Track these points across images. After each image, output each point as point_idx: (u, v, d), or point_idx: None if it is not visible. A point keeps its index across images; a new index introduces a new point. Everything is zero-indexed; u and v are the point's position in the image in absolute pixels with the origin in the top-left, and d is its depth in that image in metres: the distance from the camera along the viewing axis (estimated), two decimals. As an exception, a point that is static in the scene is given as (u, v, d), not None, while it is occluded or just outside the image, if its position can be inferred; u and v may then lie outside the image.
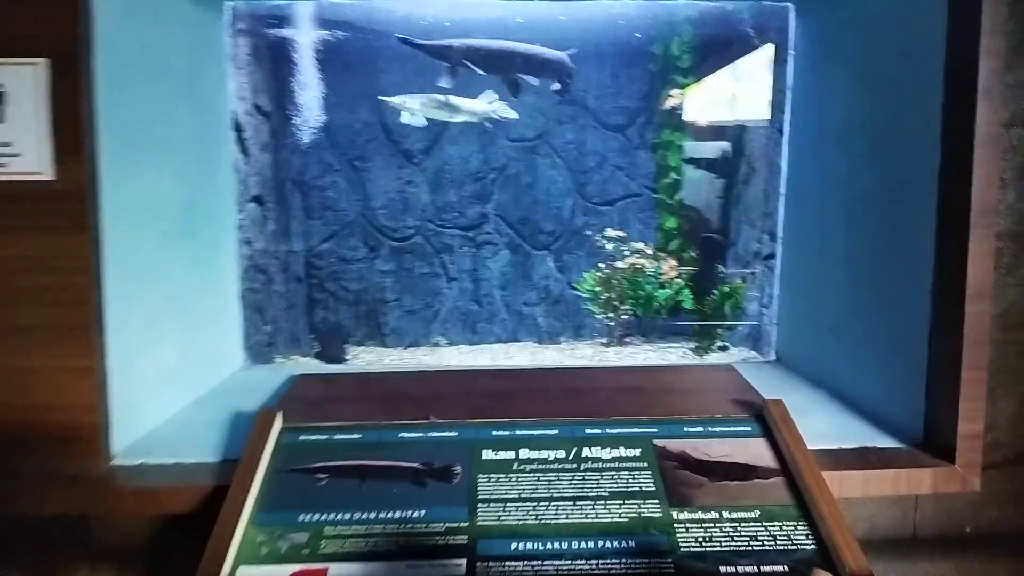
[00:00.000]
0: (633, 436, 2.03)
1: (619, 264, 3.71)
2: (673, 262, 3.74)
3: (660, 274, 3.70)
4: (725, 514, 1.79)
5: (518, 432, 2.06)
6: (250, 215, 3.21)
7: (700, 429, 2.06)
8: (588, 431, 2.05)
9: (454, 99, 3.63)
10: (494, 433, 2.06)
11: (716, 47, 3.77)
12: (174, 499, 1.95)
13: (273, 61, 3.55)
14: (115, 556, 2.07)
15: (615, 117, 4.08)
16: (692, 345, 3.61)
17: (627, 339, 3.76)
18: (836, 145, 2.54)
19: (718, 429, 2.06)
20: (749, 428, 2.07)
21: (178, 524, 1.98)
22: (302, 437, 2.05)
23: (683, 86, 3.92)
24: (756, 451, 1.99)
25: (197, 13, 2.61)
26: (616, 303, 3.69)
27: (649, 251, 3.74)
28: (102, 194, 2.02)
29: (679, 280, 3.72)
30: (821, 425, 2.28)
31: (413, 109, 3.58)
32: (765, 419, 2.08)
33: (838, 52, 2.56)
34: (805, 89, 2.79)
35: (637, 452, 1.98)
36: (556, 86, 3.65)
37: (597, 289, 3.74)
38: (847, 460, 2.07)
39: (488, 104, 3.71)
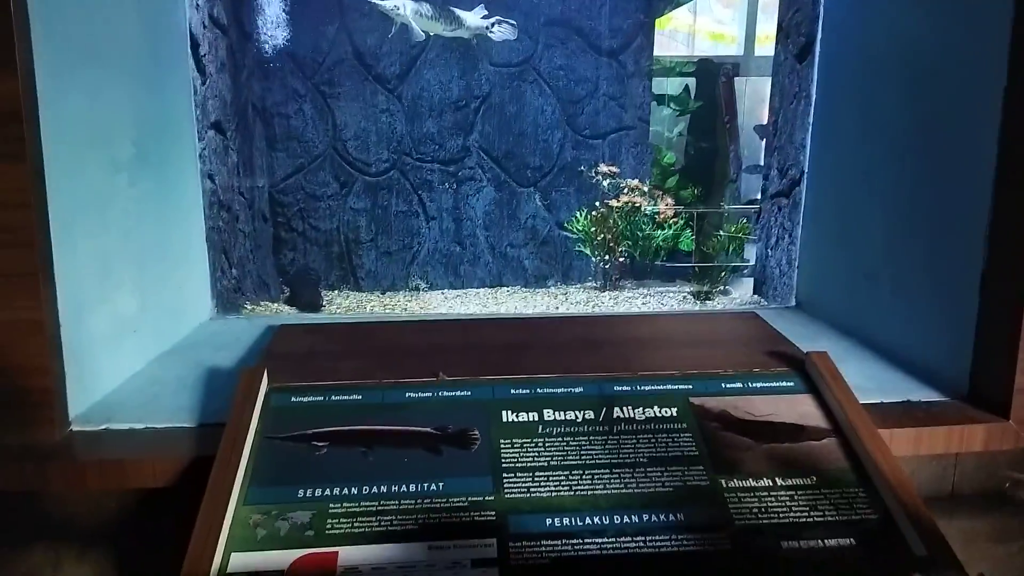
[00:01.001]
0: (667, 393, 1.83)
1: (613, 202, 3.47)
2: (670, 200, 3.52)
3: (657, 213, 3.48)
4: (779, 481, 1.61)
5: (539, 390, 1.84)
6: (210, 144, 2.85)
7: (739, 385, 1.87)
8: (617, 388, 1.84)
9: (444, 9, 3.26)
10: (512, 392, 1.83)
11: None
12: (145, 471, 1.69)
13: (230, -34, 3.13)
14: (76, 535, 1.80)
15: (608, 40, 3.77)
16: (691, 289, 3.43)
17: (621, 282, 3.56)
18: (878, 71, 2.31)
19: (759, 384, 1.87)
20: (792, 383, 1.89)
21: (150, 500, 1.72)
22: (294, 399, 1.79)
23: (684, 10, 3.63)
24: (803, 409, 1.81)
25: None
26: (611, 244, 3.47)
27: (645, 188, 3.51)
28: (41, 115, 1.67)
29: (678, 220, 3.51)
30: (855, 376, 2.10)
31: (406, 17, 3.17)
32: (808, 373, 1.90)
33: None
34: (840, 7, 2.54)
35: (673, 411, 1.78)
36: None
37: (591, 230, 3.50)
38: (894, 416, 1.92)
39: (481, 19, 3.36)
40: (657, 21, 3.91)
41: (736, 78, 4.61)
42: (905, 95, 2.20)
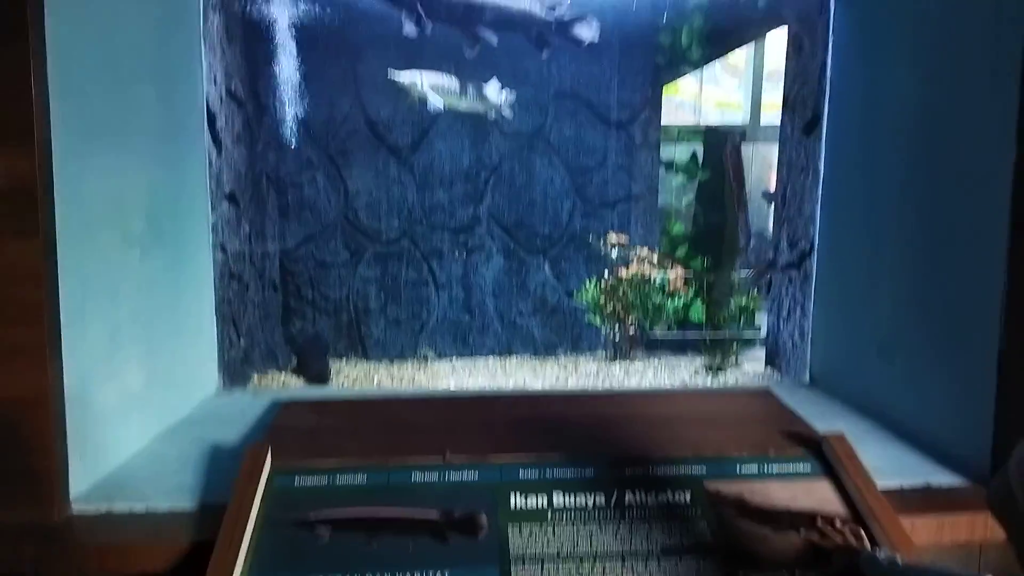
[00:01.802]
0: (681, 477, 1.78)
1: (623, 272, 3.46)
2: (680, 270, 3.51)
3: (667, 283, 3.47)
4: (797, 574, 1.55)
5: (549, 472, 1.79)
6: (223, 216, 2.88)
7: (755, 468, 1.82)
8: (629, 471, 1.79)
9: (461, 83, 3.33)
10: (521, 473, 1.79)
11: (728, 37, 3.55)
12: (145, 557, 1.65)
13: (247, 42, 3.22)
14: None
15: (617, 112, 3.83)
16: (703, 361, 3.38)
17: (631, 353, 3.52)
18: (886, 144, 2.33)
19: (775, 468, 1.82)
20: (809, 467, 1.83)
21: (149, 586, 1.67)
22: (298, 480, 1.75)
23: (690, 79, 3.69)
24: (821, 494, 1.75)
25: (167, -19, 2.28)
26: (621, 315, 3.45)
27: (654, 258, 3.50)
28: (56, 191, 1.69)
29: (688, 290, 3.49)
30: (873, 458, 2.04)
31: (424, 91, 3.24)
32: (825, 455, 1.85)
33: (886, 40, 2.35)
34: (846, 83, 2.57)
35: (687, 497, 1.73)
36: (540, 49, 3.31)
37: (601, 299, 3.49)
38: (914, 502, 1.86)
39: (496, 93, 3.42)
40: (665, 89, 3.98)
41: (743, 143, 4.68)
42: (913, 169, 2.20)
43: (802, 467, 1.83)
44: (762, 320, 3.36)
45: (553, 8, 3.21)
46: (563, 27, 3.26)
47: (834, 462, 1.82)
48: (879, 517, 1.64)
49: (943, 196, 2.08)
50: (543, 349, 3.80)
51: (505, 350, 3.78)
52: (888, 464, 2.03)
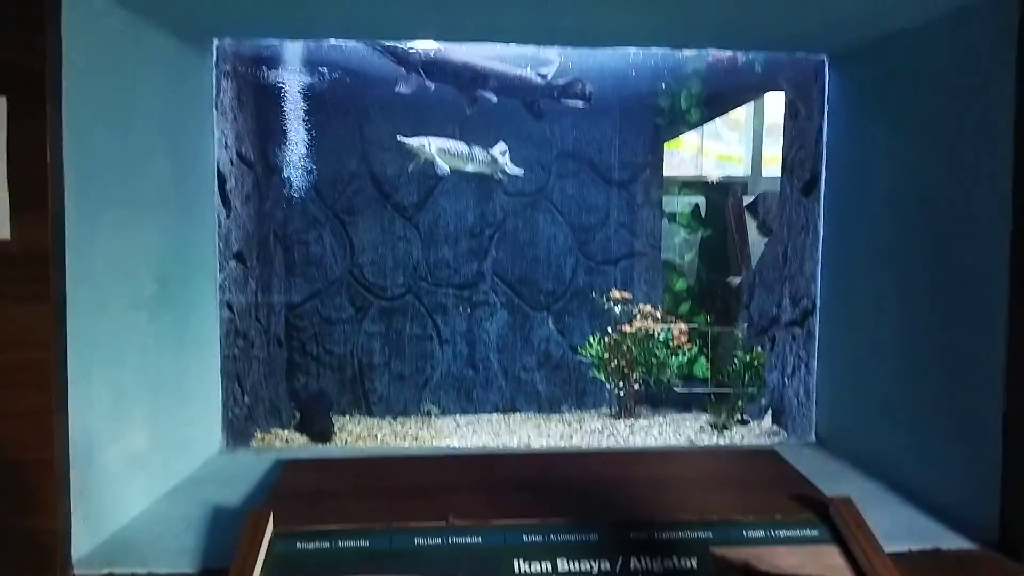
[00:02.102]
0: (687, 542, 1.76)
1: (626, 328, 3.47)
2: (683, 326, 3.52)
3: (671, 339, 3.48)
4: (807, 643, 1.52)
5: (553, 537, 1.77)
6: (231, 275, 2.92)
7: (762, 533, 1.80)
8: (634, 535, 1.77)
9: (467, 147, 3.42)
10: (525, 538, 1.77)
11: (726, 100, 3.63)
12: (145, 622, 1.62)
13: (258, 106, 3.31)
14: None
15: (618, 172, 3.90)
16: (708, 417, 3.37)
17: (636, 409, 3.51)
18: (884, 206, 2.36)
19: (782, 533, 1.80)
20: (816, 532, 1.81)
21: (147, 655, 1.65)
22: (299, 544, 1.74)
23: (691, 134, 3.77)
24: (828, 560, 1.73)
25: (181, 51, 2.36)
26: (625, 370, 3.45)
27: (658, 314, 3.52)
28: (68, 258, 1.72)
29: (692, 347, 3.50)
30: (881, 520, 2.01)
31: (431, 154, 3.32)
32: (832, 520, 1.83)
33: (882, 107, 2.40)
34: (842, 147, 2.62)
35: (693, 562, 1.71)
36: (534, 114, 3.41)
37: (605, 355, 3.49)
38: (924, 567, 1.83)
39: (501, 155, 3.51)
40: (666, 145, 4.05)
41: (744, 196, 4.75)
42: (912, 231, 2.23)
43: (809, 532, 1.81)
44: (767, 377, 3.35)
45: (545, 76, 3.33)
46: (558, 93, 3.37)
47: (841, 526, 1.80)
48: (888, 584, 1.62)
49: (943, 257, 2.10)
50: (547, 405, 3.79)
51: (509, 406, 3.77)
52: (896, 527, 2.01)
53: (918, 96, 2.22)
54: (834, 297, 2.69)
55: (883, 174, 2.38)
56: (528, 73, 3.32)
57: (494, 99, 3.22)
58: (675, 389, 3.51)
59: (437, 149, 3.35)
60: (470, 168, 3.45)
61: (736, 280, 3.44)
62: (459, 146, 3.43)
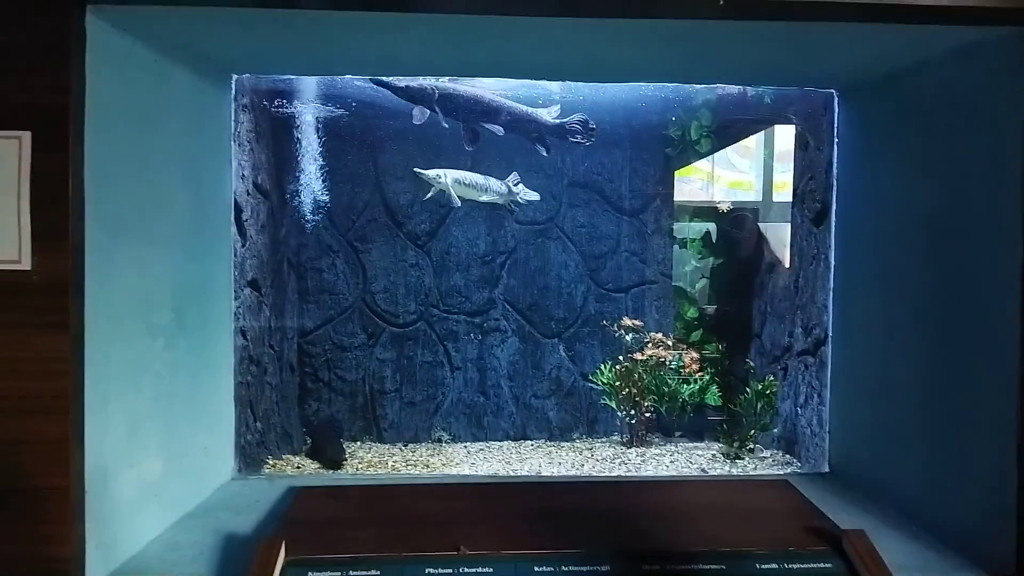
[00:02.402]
0: (700, 574, 1.75)
1: (638, 356, 3.47)
2: (695, 355, 3.51)
3: (682, 367, 3.47)
4: None
5: (565, 568, 1.77)
6: (245, 302, 2.94)
7: (775, 566, 1.78)
8: (646, 567, 1.77)
9: (483, 177, 3.48)
10: (536, 569, 1.77)
11: (736, 131, 3.66)
12: (156, 652, 1.62)
13: (274, 138, 3.37)
14: None
15: (629, 201, 3.92)
16: (720, 447, 3.35)
17: (648, 438, 3.49)
18: (894, 237, 2.37)
19: (795, 566, 1.79)
20: (830, 565, 1.80)
21: None
22: (311, 574, 1.75)
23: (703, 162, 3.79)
24: (842, 594, 1.71)
25: (200, 86, 2.41)
26: (637, 399, 3.44)
27: (669, 342, 3.52)
28: (87, 287, 1.76)
29: (704, 375, 3.49)
30: (895, 553, 2.00)
31: (447, 185, 3.38)
32: (845, 552, 1.82)
33: (891, 140, 2.42)
34: (852, 179, 2.64)
35: (706, 595, 1.70)
36: (541, 149, 3.46)
37: (616, 383, 3.48)
38: (938, 600, 1.81)
39: (515, 186, 3.55)
40: (677, 172, 4.07)
41: (758, 223, 4.75)
42: (923, 260, 2.24)
43: (823, 565, 1.80)
44: (780, 407, 3.34)
45: (551, 112, 3.38)
46: (561, 130, 3.42)
47: (855, 559, 1.78)
48: (903, 618, 1.61)
49: (954, 287, 2.10)
50: (559, 433, 3.77)
51: (520, 434, 3.76)
52: (910, 559, 1.99)
53: (926, 129, 2.24)
54: (846, 326, 2.69)
55: (892, 205, 2.39)
56: (535, 111, 3.37)
57: (500, 131, 3.28)
58: (688, 417, 3.49)
59: (452, 180, 3.39)
60: (484, 198, 3.49)
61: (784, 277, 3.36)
62: (474, 177, 3.48)
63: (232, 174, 2.69)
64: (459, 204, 3.45)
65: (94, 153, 1.78)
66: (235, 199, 2.75)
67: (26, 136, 1.70)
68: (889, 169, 2.42)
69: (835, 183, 2.72)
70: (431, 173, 3.37)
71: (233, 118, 2.68)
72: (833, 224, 2.73)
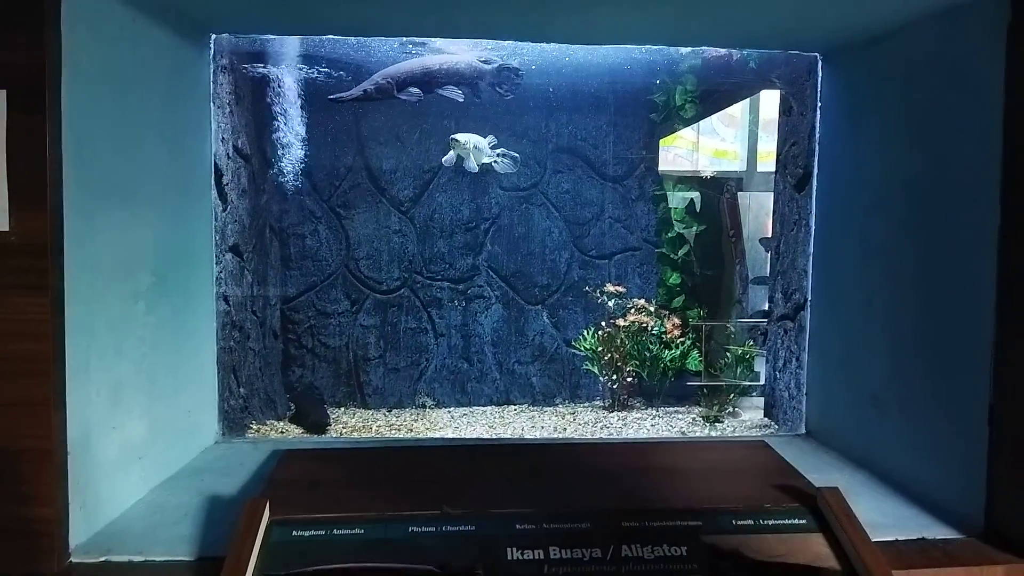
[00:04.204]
0: (677, 531, 1.79)
1: (620, 322, 3.50)
2: (677, 320, 3.55)
3: (664, 333, 3.50)
4: (794, 629, 1.55)
5: (545, 526, 1.80)
6: (227, 267, 2.93)
7: (751, 522, 1.82)
8: (626, 524, 1.80)
9: (486, 141, 3.47)
10: (518, 527, 1.79)
11: (721, 97, 3.66)
12: (141, 609, 1.64)
13: (255, 100, 3.33)
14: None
15: (613, 167, 3.92)
16: (700, 410, 3.40)
17: (629, 402, 3.54)
18: (874, 203, 2.39)
19: (770, 522, 1.83)
20: (804, 521, 1.84)
21: (145, 640, 1.67)
22: (295, 532, 1.76)
23: (687, 130, 3.79)
24: (816, 549, 1.76)
25: (179, 46, 2.37)
26: (619, 364, 3.47)
27: (652, 308, 3.55)
28: (66, 248, 1.74)
29: (685, 340, 3.53)
30: (868, 511, 2.05)
31: (470, 151, 3.37)
32: (820, 509, 1.86)
33: (873, 105, 2.43)
34: (834, 144, 2.65)
35: (684, 551, 1.74)
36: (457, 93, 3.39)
37: (599, 349, 3.52)
38: (909, 555, 1.86)
39: (490, 148, 3.55)
40: (662, 140, 4.08)
41: (740, 193, 4.78)
42: (903, 226, 2.26)
43: (797, 521, 1.84)
44: (760, 369, 3.39)
45: (487, 62, 3.33)
46: (492, 81, 3.36)
47: (828, 516, 1.83)
48: (874, 571, 1.65)
49: (933, 252, 2.13)
50: (541, 398, 3.82)
51: (503, 399, 3.80)
52: (884, 517, 2.04)
53: (909, 93, 2.25)
54: (825, 291, 2.72)
55: (874, 170, 2.41)
56: (474, 62, 3.31)
57: (460, 96, 3.22)
58: (670, 382, 3.54)
59: (474, 146, 3.39)
60: (485, 160, 3.48)
61: (766, 247, 3.39)
62: (483, 142, 3.46)
63: (212, 136, 2.65)
64: (476, 169, 3.44)
65: (72, 112, 1.75)
66: (215, 162, 2.72)
67: (1, 94, 1.67)
68: (871, 133, 2.43)
69: (817, 148, 2.73)
70: (462, 137, 3.36)
71: (212, 79, 2.64)
72: (815, 189, 2.75)
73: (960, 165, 2.03)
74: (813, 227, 2.73)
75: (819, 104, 2.70)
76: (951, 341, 2.05)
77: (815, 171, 2.74)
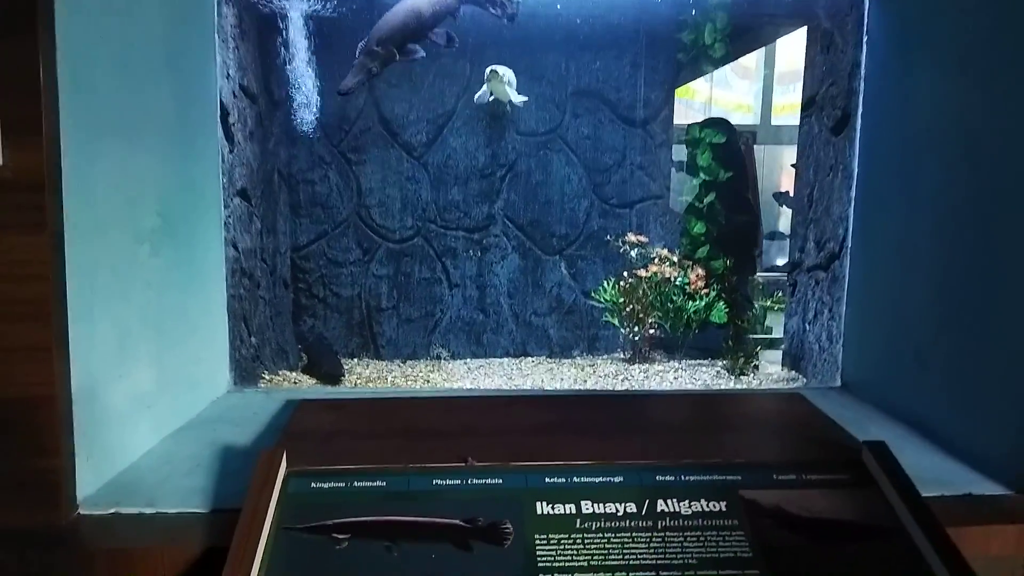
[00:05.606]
0: (715, 485, 1.70)
1: (642, 272, 3.38)
2: (701, 271, 3.43)
3: (687, 284, 3.39)
4: (842, 587, 1.47)
5: (576, 479, 1.71)
6: (235, 212, 2.82)
7: (792, 477, 1.73)
8: (660, 478, 1.71)
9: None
10: (547, 480, 1.71)
11: (753, 35, 3.47)
12: (154, 562, 1.58)
13: (260, 36, 3.16)
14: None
15: (635, 111, 3.76)
16: (724, 363, 3.30)
17: (651, 355, 3.44)
18: (923, 144, 2.24)
19: (813, 477, 1.73)
20: (848, 476, 1.75)
21: (159, 594, 1.60)
22: (314, 484, 1.68)
23: (700, 82, 3.62)
24: (863, 504, 1.67)
25: (180, -28, 2.22)
26: (641, 315, 3.37)
27: (675, 258, 3.42)
28: (65, 184, 1.62)
29: (710, 292, 3.41)
30: (912, 466, 1.95)
31: (507, 83, 3.20)
32: (865, 464, 1.77)
33: (925, 38, 2.26)
34: (881, 81, 2.49)
35: (722, 506, 1.65)
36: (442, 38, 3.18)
37: (619, 300, 3.41)
38: (957, 512, 1.77)
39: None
40: (677, 92, 3.91)
41: (755, 146, 4.62)
42: (952, 169, 2.12)
43: (841, 476, 1.75)
44: (778, 322, 3.28)
45: None
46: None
47: (875, 471, 1.73)
48: (925, 529, 1.56)
49: (986, 197, 2.00)
50: (559, 350, 3.73)
51: (520, 351, 3.71)
52: (927, 472, 1.94)
53: (963, 24, 2.08)
54: (866, 239, 2.59)
55: (923, 108, 2.26)
56: None
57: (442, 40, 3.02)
58: (693, 334, 3.43)
59: (508, 81, 3.23)
60: (512, 97, 3.32)
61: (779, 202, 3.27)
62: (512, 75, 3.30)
63: (217, 72, 2.51)
64: (519, 103, 3.27)
65: (67, 39, 1.62)
66: (221, 100, 2.58)
67: (-13, 13, 1.54)
68: (921, 69, 2.27)
69: (862, 86, 2.56)
70: (502, 71, 3.19)
71: (215, 10, 2.49)
72: (857, 132, 2.59)
73: (1017, 102, 1.88)
74: (856, 171, 2.59)
75: (865, 38, 2.53)
76: (1003, 291, 1.93)
77: (858, 111, 2.58)
